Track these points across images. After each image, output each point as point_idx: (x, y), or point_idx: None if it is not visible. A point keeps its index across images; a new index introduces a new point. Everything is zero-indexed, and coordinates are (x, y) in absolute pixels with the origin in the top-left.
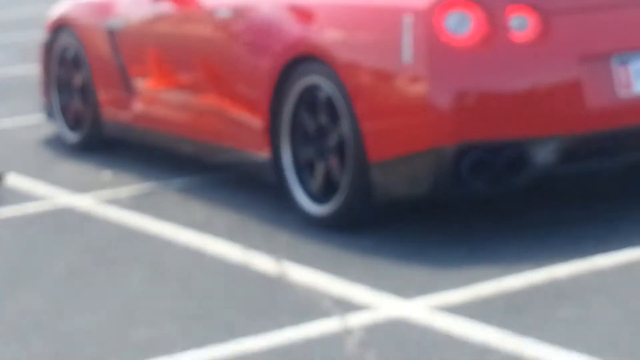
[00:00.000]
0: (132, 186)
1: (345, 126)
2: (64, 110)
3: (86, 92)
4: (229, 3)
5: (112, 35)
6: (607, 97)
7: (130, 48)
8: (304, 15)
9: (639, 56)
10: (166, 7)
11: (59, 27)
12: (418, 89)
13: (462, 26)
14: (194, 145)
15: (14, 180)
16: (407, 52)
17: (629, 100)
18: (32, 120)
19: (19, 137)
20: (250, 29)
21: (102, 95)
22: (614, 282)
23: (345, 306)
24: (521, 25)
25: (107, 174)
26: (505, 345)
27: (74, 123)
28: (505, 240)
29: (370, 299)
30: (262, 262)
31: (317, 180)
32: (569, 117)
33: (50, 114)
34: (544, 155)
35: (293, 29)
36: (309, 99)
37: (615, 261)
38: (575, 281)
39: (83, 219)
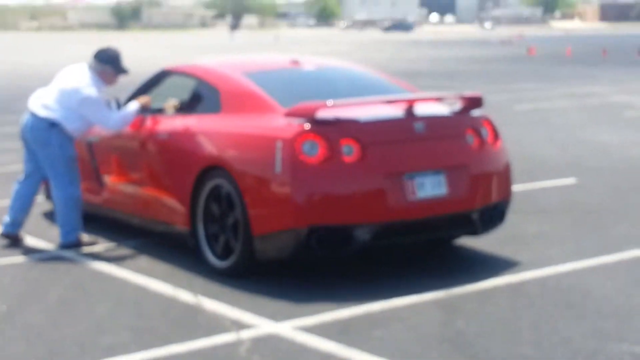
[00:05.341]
0: (98, 245)
1: (238, 212)
2: None
3: None
4: (165, 130)
5: (90, 146)
6: (401, 199)
7: (101, 155)
8: (213, 139)
9: (420, 175)
10: (125, 129)
11: None
12: (284, 190)
13: (312, 150)
14: (140, 220)
15: None
16: (278, 166)
17: (414, 202)
18: None
19: None
20: (179, 147)
21: (82, 185)
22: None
23: (239, 325)
24: (349, 151)
25: (87, 236)
26: (338, 353)
27: None
28: (338, 285)
29: (254, 320)
30: (186, 296)
31: (219, 246)
32: (377, 211)
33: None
34: (362, 235)
35: (205, 148)
36: (215, 194)
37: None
38: (384, 313)
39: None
